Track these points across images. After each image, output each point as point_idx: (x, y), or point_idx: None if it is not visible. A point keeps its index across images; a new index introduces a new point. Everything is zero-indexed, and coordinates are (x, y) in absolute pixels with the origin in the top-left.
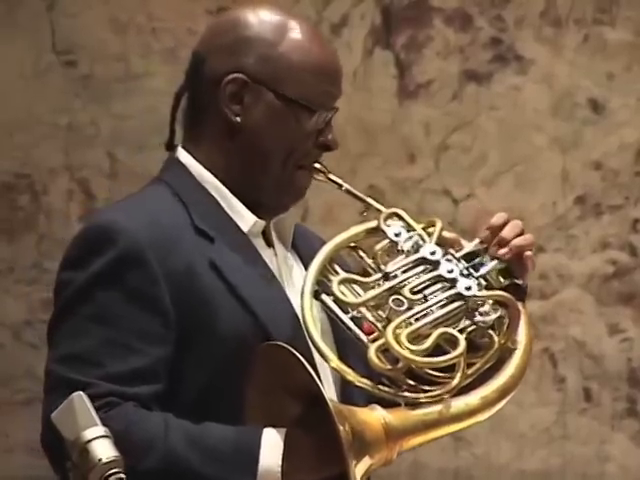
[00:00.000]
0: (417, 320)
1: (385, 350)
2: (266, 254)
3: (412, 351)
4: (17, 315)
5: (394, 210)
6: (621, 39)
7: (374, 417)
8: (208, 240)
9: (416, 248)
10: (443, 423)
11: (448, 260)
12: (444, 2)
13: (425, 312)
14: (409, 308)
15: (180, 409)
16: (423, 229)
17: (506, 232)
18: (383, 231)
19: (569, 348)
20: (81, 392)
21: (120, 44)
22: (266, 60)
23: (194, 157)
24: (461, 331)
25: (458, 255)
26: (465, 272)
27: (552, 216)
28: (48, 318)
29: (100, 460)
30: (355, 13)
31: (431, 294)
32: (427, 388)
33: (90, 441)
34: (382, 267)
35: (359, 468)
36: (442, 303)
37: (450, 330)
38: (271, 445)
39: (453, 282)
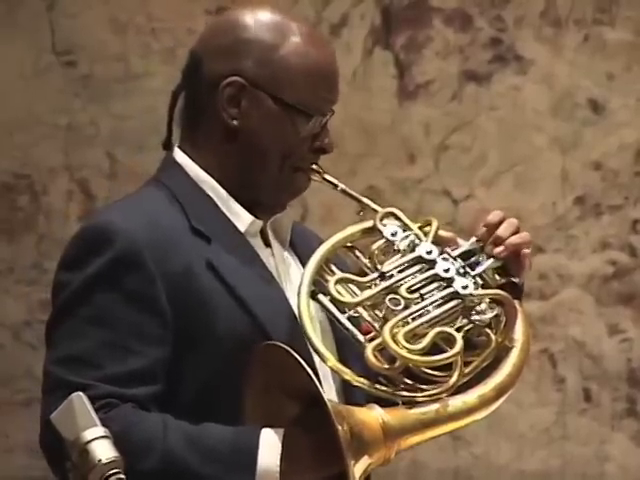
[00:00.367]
0: (414, 319)
1: (382, 349)
2: (264, 254)
3: (409, 350)
4: (17, 315)
5: (390, 210)
6: (621, 39)
7: (372, 417)
8: (205, 241)
9: (412, 247)
10: (441, 422)
11: (444, 259)
12: (444, 2)
13: (422, 311)
14: (406, 307)
15: (179, 409)
16: (419, 228)
17: (502, 230)
18: (379, 231)
19: (569, 348)
20: (81, 392)
21: (120, 44)
22: (264, 64)
23: (191, 157)
24: (458, 330)
25: (454, 254)
26: (461, 271)
27: (552, 216)
28: (47, 319)
29: (100, 460)
30: (355, 13)
31: (428, 293)
32: (424, 387)
33: (90, 441)
34: (378, 267)
35: (358, 468)
36: (439, 302)
37: (447, 329)
38: (269, 445)
39: (449, 281)
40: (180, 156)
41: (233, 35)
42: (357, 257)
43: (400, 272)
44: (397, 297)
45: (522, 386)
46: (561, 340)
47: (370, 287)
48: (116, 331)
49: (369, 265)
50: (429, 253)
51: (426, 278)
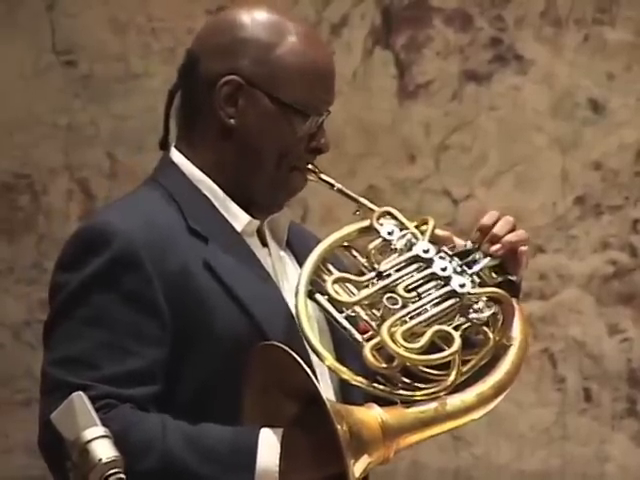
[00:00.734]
0: (412, 318)
1: (380, 349)
2: (260, 253)
3: (407, 349)
4: (17, 315)
5: (387, 209)
6: (621, 39)
7: (371, 416)
8: (202, 241)
9: (409, 246)
10: (440, 421)
11: (441, 258)
12: (444, 2)
13: (419, 310)
14: (403, 306)
15: (177, 410)
16: (416, 227)
17: (498, 229)
18: (376, 230)
19: (569, 348)
20: (81, 392)
21: (120, 44)
22: (261, 63)
23: (187, 157)
24: (456, 328)
25: (451, 253)
26: (459, 269)
27: (552, 216)
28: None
29: (100, 460)
30: (355, 13)
31: (425, 292)
32: (422, 386)
33: (90, 441)
34: (376, 266)
35: (357, 467)
36: (436, 301)
37: (445, 327)
38: (269, 445)
39: (447, 280)
40: (177, 156)
41: (230, 34)
42: (354, 257)
43: (397, 271)
44: (395, 296)
45: (522, 386)
46: (561, 340)
47: (368, 286)
48: (114, 332)
49: (366, 264)
50: (426, 252)
51: (423, 277)
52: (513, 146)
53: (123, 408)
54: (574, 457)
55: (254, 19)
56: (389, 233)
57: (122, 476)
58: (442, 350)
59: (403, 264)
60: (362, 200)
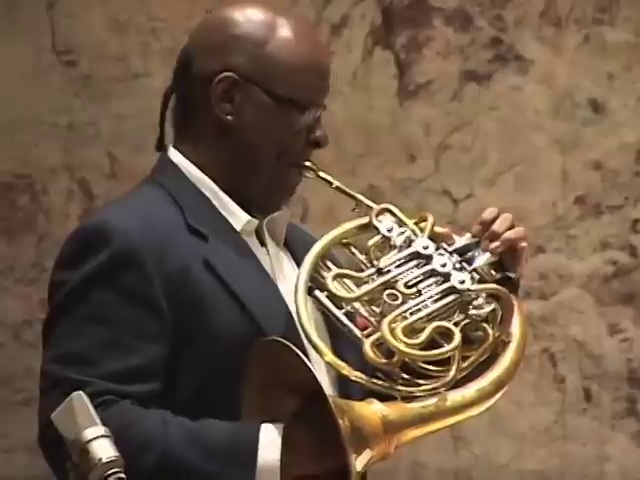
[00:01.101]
0: (412, 314)
1: (380, 345)
2: (259, 253)
3: (408, 344)
4: (17, 315)
5: (385, 206)
6: (621, 39)
7: (372, 411)
8: (202, 239)
9: (408, 243)
10: (440, 416)
11: (441, 254)
12: (444, 2)
13: (419, 306)
14: (403, 302)
15: (177, 407)
16: (415, 224)
17: (497, 226)
18: (375, 227)
19: (569, 348)
20: (81, 392)
21: (120, 44)
22: (256, 58)
23: (185, 156)
24: (455, 324)
25: (451, 249)
26: (458, 266)
27: (552, 216)
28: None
29: (100, 460)
30: (355, 13)
31: (425, 288)
32: (422, 382)
33: (90, 441)
34: (375, 262)
35: (359, 462)
36: (436, 297)
37: (445, 323)
38: (269, 440)
39: (447, 276)
40: (175, 155)
41: (223, 32)
42: (353, 254)
43: (397, 267)
44: (395, 292)
45: (522, 386)
46: (561, 340)
47: (367, 282)
48: (114, 329)
49: (365, 261)
50: (426, 248)
51: (423, 273)
52: (513, 146)
53: (123, 404)
54: (574, 457)
55: (246, 16)
56: (388, 230)
57: (122, 476)
58: (442, 346)
59: (403, 260)
60: (360, 197)
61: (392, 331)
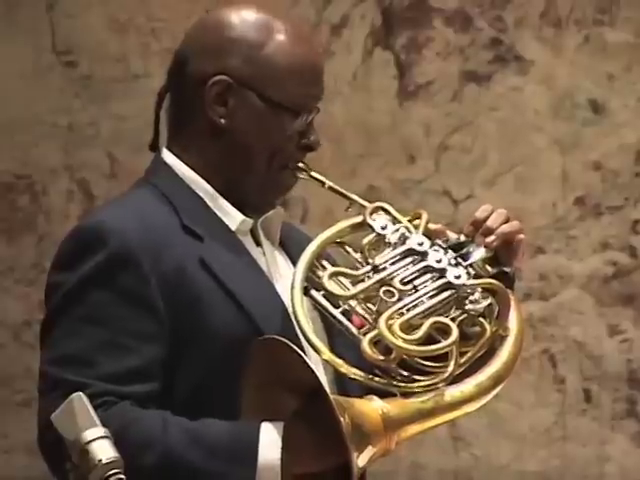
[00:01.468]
0: (409, 310)
1: (377, 342)
2: (254, 252)
3: (405, 340)
4: (17, 315)
5: (379, 204)
6: (621, 40)
7: (372, 408)
8: (197, 239)
9: (403, 240)
10: (439, 411)
11: (436, 250)
12: (444, 3)
13: (416, 302)
14: (400, 299)
15: (175, 407)
16: (409, 221)
17: (491, 221)
18: (369, 225)
19: (569, 349)
20: (81, 393)
21: (120, 44)
22: (250, 62)
23: (179, 157)
24: (452, 320)
25: (446, 245)
26: (453, 262)
27: (552, 217)
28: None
29: (100, 461)
30: (355, 14)
31: (421, 284)
32: (420, 378)
33: (90, 442)
34: (370, 260)
35: (361, 458)
36: (432, 293)
37: (442, 319)
38: (270, 439)
39: (442, 272)
40: (168, 156)
41: (218, 34)
42: (347, 252)
43: (392, 264)
44: (391, 289)
45: (522, 387)
46: (561, 341)
47: (363, 280)
48: (111, 329)
49: (360, 260)
50: (420, 245)
51: (419, 270)
52: (513, 147)
53: (122, 405)
54: (574, 458)
55: (242, 19)
56: (382, 228)
57: (122, 477)
58: (439, 342)
59: (398, 257)
60: (354, 197)
61: (389, 328)
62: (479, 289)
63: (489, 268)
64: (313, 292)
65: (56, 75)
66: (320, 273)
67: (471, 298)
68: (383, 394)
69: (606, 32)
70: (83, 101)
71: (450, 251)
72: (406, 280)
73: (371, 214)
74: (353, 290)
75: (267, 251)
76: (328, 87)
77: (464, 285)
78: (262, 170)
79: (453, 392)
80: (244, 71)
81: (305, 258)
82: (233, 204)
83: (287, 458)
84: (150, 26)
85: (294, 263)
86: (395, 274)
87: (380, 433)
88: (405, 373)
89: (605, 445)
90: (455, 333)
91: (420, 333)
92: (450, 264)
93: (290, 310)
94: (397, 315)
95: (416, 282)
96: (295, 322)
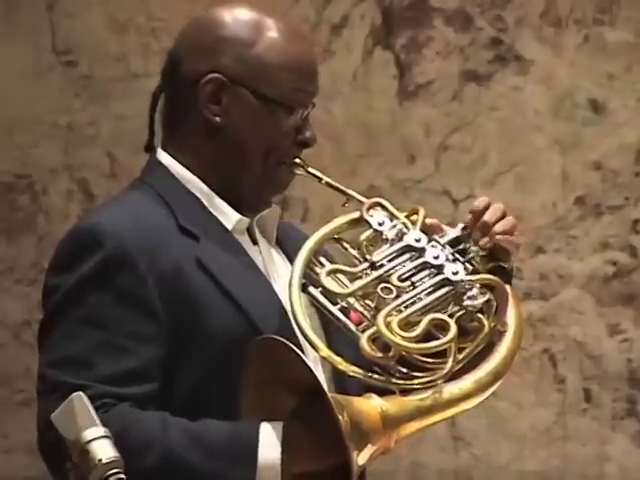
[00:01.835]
0: (407, 307)
1: (376, 339)
2: (251, 251)
3: (404, 338)
4: (17, 315)
5: (376, 200)
6: (621, 40)
7: (371, 405)
8: (194, 239)
9: (400, 236)
10: (439, 408)
11: (433, 246)
12: (444, 2)
13: (414, 299)
14: (398, 296)
15: (174, 408)
16: (406, 217)
17: (488, 216)
18: (366, 221)
19: (569, 349)
20: (81, 392)
21: (120, 44)
22: (243, 60)
23: (174, 157)
24: (450, 316)
25: (443, 241)
26: (451, 257)
27: (552, 217)
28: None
29: (100, 460)
30: (355, 13)
31: (419, 281)
32: (419, 375)
33: (90, 441)
34: (368, 257)
35: (361, 457)
36: (430, 289)
37: (440, 315)
38: (269, 439)
39: (440, 268)
40: (164, 157)
41: (211, 33)
42: (345, 249)
43: (390, 261)
44: (389, 286)
45: (522, 386)
46: (561, 340)
47: (361, 277)
48: (110, 331)
49: (358, 256)
50: (418, 241)
51: (416, 266)
52: (513, 146)
53: (122, 407)
54: (574, 457)
55: (234, 17)
56: (380, 224)
57: (122, 476)
58: (438, 338)
59: (395, 254)
60: (351, 192)
61: (388, 325)
62: (477, 285)
63: (487, 264)
64: (311, 289)
65: (56, 75)
66: (318, 270)
67: (469, 294)
68: (382, 392)
69: (606, 32)
70: (83, 101)
71: (447, 247)
72: (404, 277)
73: (368, 210)
74: (351, 287)
75: (264, 250)
76: (328, 87)
77: (462, 281)
78: (258, 167)
79: (452, 389)
80: (237, 69)
81: (303, 255)
82: (229, 203)
83: (286, 457)
84: (150, 26)
85: (291, 261)
86: (393, 271)
87: (379, 431)
88: (404, 370)
89: (605, 445)
90: (453, 329)
91: (418, 330)
92: (448, 260)
93: (288, 308)
94: (395, 312)
95: (414, 279)
96: (293, 319)
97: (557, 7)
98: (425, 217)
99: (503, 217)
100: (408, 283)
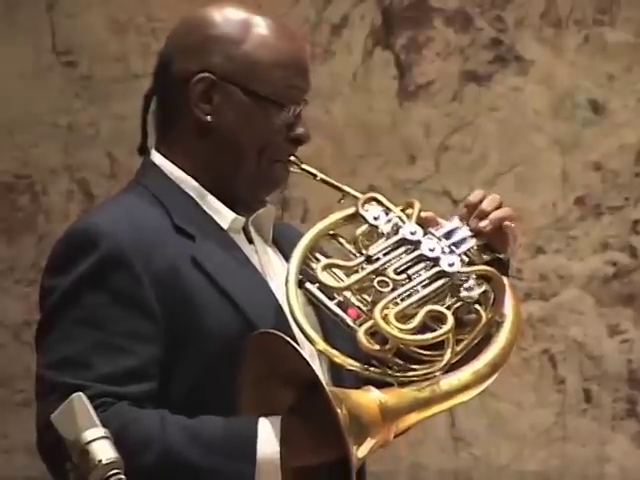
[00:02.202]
0: (403, 300)
1: (373, 333)
2: (247, 250)
3: (401, 330)
4: (17, 315)
5: (371, 195)
6: (621, 40)
7: (369, 398)
8: (189, 238)
9: (396, 230)
10: (437, 400)
11: (429, 239)
12: (444, 3)
13: (410, 292)
14: (394, 289)
15: (172, 407)
16: (402, 211)
17: (485, 205)
18: (362, 216)
19: (569, 349)
20: (81, 393)
21: (120, 44)
22: (232, 58)
23: (167, 158)
24: (447, 308)
25: (439, 234)
26: (447, 250)
27: (552, 217)
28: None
29: (100, 461)
30: (355, 14)
31: (415, 273)
32: (417, 367)
33: (90, 442)
34: (364, 251)
35: (361, 450)
36: (426, 282)
37: (437, 307)
38: (268, 434)
39: (436, 260)
40: (158, 158)
41: (200, 33)
42: (341, 244)
43: (386, 255)
44: (385, 279)
45: (522, 387)
46: (561, 341)
47: (357, 271)
48: (106, 331)
49: (354, 251)
50: (413, 234)
51: (412, 259)
52: (513, 147)
53: (120, 406)
54: (574, 458)
55: (223, 16)
56: (375, 218)
57: (122, 477)
58: (435, 331)
59: (391, 247)
60: (346, 188)
61: (384, 317)
62: (473, 276)
63: (483, 255)
64: (308, 285)
65: (56, 75)
66: (314, 265)
67: (465, 285)
68: (380, 385)
69: (606, 32)
70: (83, 101)
71: (443, 239)
72: (400, 270)
73: (363, 205)
74: (347, 281)
75: (260, 249)
76: (328, 87)
77: (458, 272)
78: (252, 165)
79: (450, 380)
80: (227, 67)
81: (299, 251)
82: (224, 202)
83: (285, 452)
84: (150, 26)
85: (287, 260)
86: (389, 264)
87: (378, 424)
88: (401, 362)
89: (605, 445)
90: (450, 321)
91: (415, 322)
92: (443, 252)
93: (284, 306)
94: (392, 305)
95: (410, 271)
96: (289, 313)
97: (557, 7)
98: (420, 210)
99: (499, 207)
100: (404, 276)
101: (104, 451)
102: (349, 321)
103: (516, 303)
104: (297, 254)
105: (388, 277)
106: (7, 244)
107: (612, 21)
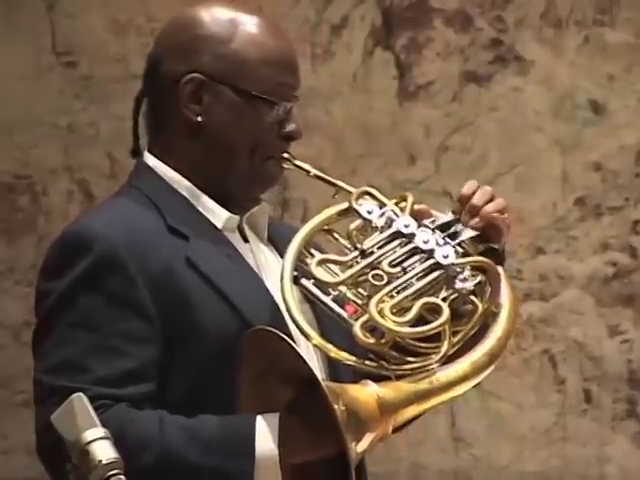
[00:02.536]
0: (398, 293)
1: (370, 327)
2: (242, 249)
3: (397, 323)
4: (17, 316)
5: (365, 189)
6: (621, 40)
7: (367, 393)
8: (183, 239)
9: (390, 223)
10: (435, 392)
11: (423, 231)
12: (444, 3)
13: (405, 284)
14: (389, 282)
15: (170, 408)
16: (395, 204)
17: (476, 199)
18: (355, 210)
19: (569, 349)
20: (81, 393)
21: (120, 45)
22: (221, 57)
23: (160, 159)
24: (443, 300)
25: (433, 226)
26: (441, 241)
27: (552, 217)
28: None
29: (100, 461)
30: (355, 14)
31: (410, 266)
32: (414, 360)
33: (90, 442)
34: (358, 246)
35: (360, 445)
36: (421, 274)
37: (432, 299)
38: (266, 431)
39: (430, 252)
40: (151, 159)
41: (188, 33)
42: (336, 239)
43: (380, 248)
44: (380, 273)
45: (522, 387)
46: (561, 341)
47: (352, 265)
48: (103, 333)
49: (348, 245)
50: (407, 227)
51: (407, 252)
52: (513, 147)
53: (119, 407)
54: (574, 458)
55: (211, 15)
56: (369, 212)
57: (122, 477)
58: (431, 323)
59: (385, 241)
60: (340, 183)
61: (380, 311)
62: (468, 267)
63: (478, 246)
64: (303, 281)
65: (56, 76)
66: (309, 261)
67: (461, 277)
68: (377, 378)
69: (606, 32)
70: (83, 102)
71: (437, 231)
72: (394, 263)
73: (357, 199)
74: (342, 276)
75: (255, 247)
76: (328, 88)
77: (453, 264)
78: (245, 164)
79: (448, 372)
80: (215, 66)
81: (293, 247)
82: (218, 202)
83: (284, 448)
84: (150, 26)
85: (283, 257)
86: (383, 257)
87: (377, 418)
88: (398, 356)
89: (605, 446)
90: (446, 313)
91: (411, 315)
92: (438, 244)
93: (280, 304)
94: (387, 298)
95: (405, 264)
96: (285, 309)
97: (557, 8)
98: (414, 203)
99: (492, 200)
100: (399, 269)
101: (104, 451)
102: (345, 316)
103: (512, 292)
104: (291, 250)
105: (383, 270)
106: (7, 244)
107: (612, 21)
